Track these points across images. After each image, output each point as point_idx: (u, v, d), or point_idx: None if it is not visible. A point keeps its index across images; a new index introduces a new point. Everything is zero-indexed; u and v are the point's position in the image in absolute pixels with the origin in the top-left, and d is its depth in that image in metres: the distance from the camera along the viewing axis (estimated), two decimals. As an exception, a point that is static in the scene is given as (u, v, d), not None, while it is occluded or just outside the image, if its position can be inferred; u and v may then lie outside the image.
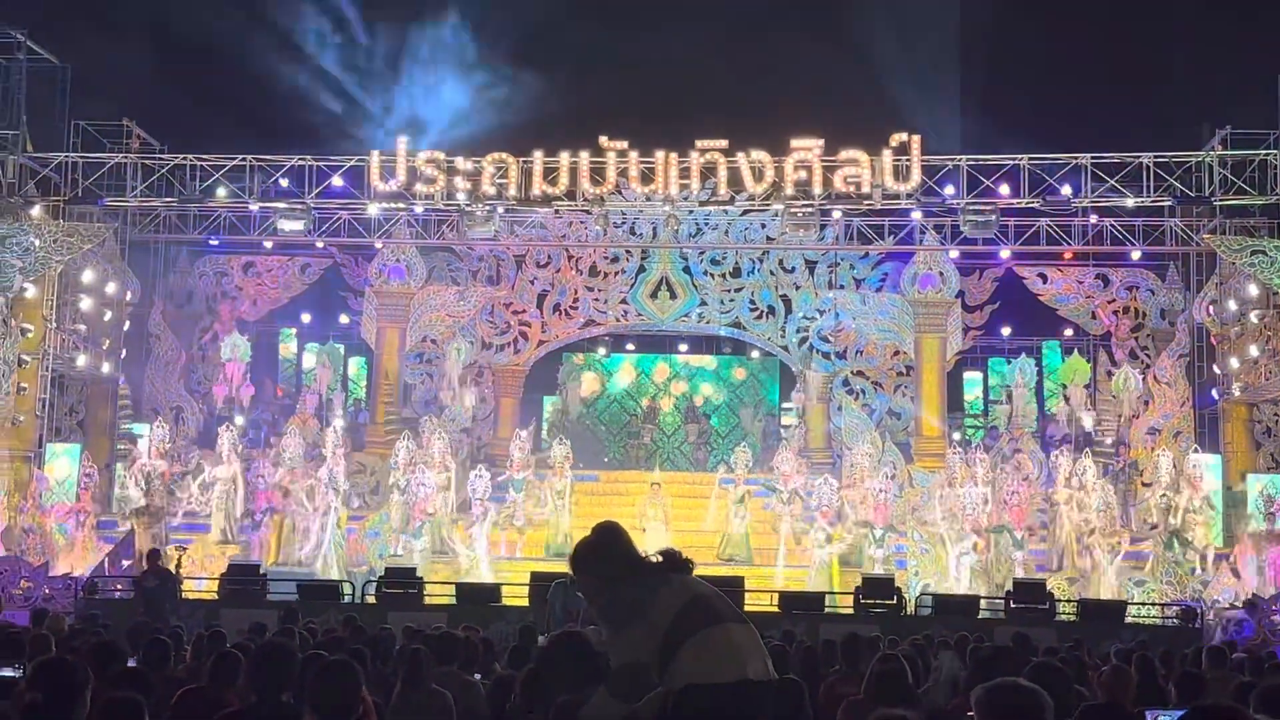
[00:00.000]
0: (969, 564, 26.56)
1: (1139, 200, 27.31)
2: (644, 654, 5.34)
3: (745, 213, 30.11)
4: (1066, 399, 31.96)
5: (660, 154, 27.65)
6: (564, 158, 27.56)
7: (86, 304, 29.68)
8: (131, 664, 8.08)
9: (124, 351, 31.15)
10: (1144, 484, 28.59)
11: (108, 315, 30.38)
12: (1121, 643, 18.14)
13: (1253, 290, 27.95)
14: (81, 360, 29.72)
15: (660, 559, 5.66)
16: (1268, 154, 26.87)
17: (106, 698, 5.67)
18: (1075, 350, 32.79)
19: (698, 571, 5.81)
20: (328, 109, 32.76)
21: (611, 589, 5.57)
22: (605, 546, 5.73)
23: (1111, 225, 29.31)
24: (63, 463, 28.53)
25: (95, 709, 5.61)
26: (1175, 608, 24.15)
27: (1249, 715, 4.26)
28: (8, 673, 9.22)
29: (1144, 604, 25.07)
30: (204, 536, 27.78)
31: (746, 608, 22.01)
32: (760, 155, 27.26)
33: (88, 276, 29.57)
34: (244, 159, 28.37)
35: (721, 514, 28.82)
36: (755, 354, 34.65)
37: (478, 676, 10.11)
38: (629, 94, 33.41)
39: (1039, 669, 5.72)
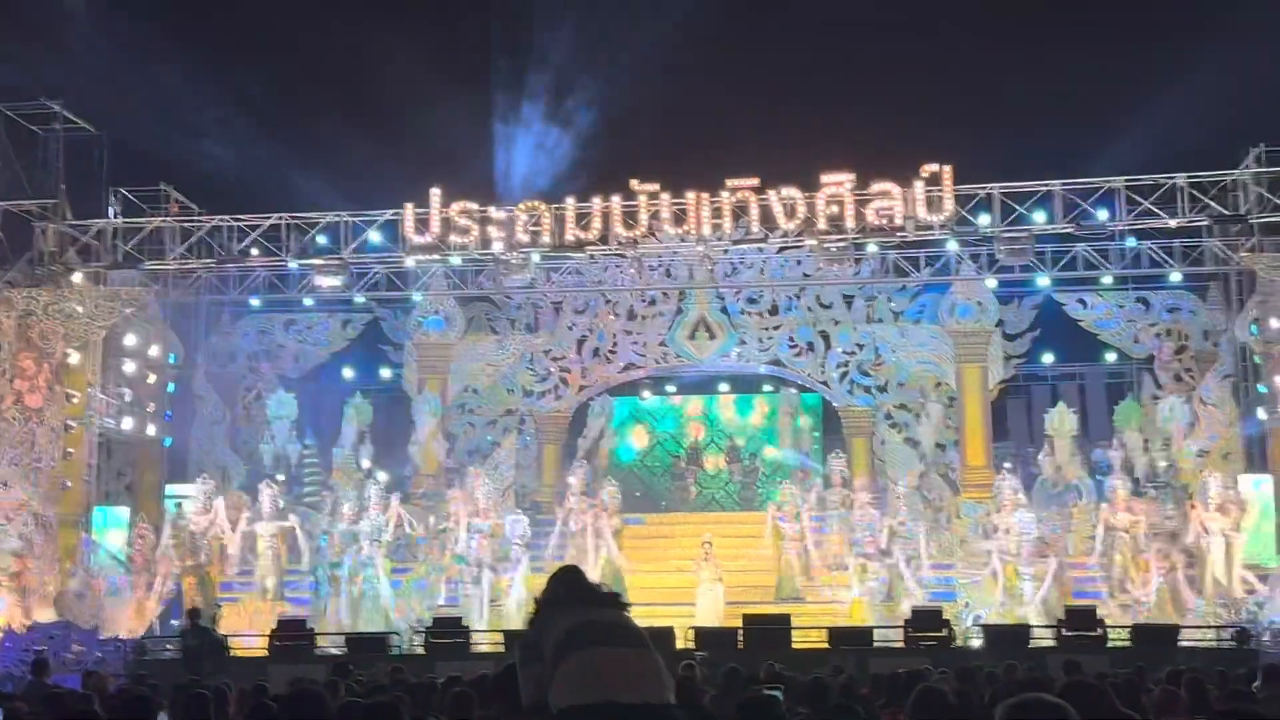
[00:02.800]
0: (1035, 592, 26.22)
1: (1179, 221, 27.06)
2: (541, 694, 5.30)
3: (780, 250, 30.12)
4: (1122, 444, 30.96)
5: (692, 195, 27.63)
6: (596, 202, 27.61)
7: (130, 368, 30.03)
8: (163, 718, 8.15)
9: (169, 413, 31.45)
10: (1193, 506, 28.17)
11: (151, 378, 30.73)
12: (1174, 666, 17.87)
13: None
14: (127, 423, 30.02)
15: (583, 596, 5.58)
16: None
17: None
18: (1122, 389, 32.45)
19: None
20: (360, 164, 32.98)
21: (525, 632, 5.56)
22: (541, 590, 5.71)
23: (1149, 248, 29.08)
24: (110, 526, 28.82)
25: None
26: (1230, 630, 23.80)
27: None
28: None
29: (1197, 627, 24.70)
30: (252, 595, 27.89)
31: (795, 645, 21.93)
32: (791, 192, 27.22)
33: (130, 340, 29.95)
34: (280, 218, 28.56)
35: (774, 553, 28.62)
36: (793, 390, 34.44)
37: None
38: (658, 136, 33.56)
39: (1070, 687, 5.65)
